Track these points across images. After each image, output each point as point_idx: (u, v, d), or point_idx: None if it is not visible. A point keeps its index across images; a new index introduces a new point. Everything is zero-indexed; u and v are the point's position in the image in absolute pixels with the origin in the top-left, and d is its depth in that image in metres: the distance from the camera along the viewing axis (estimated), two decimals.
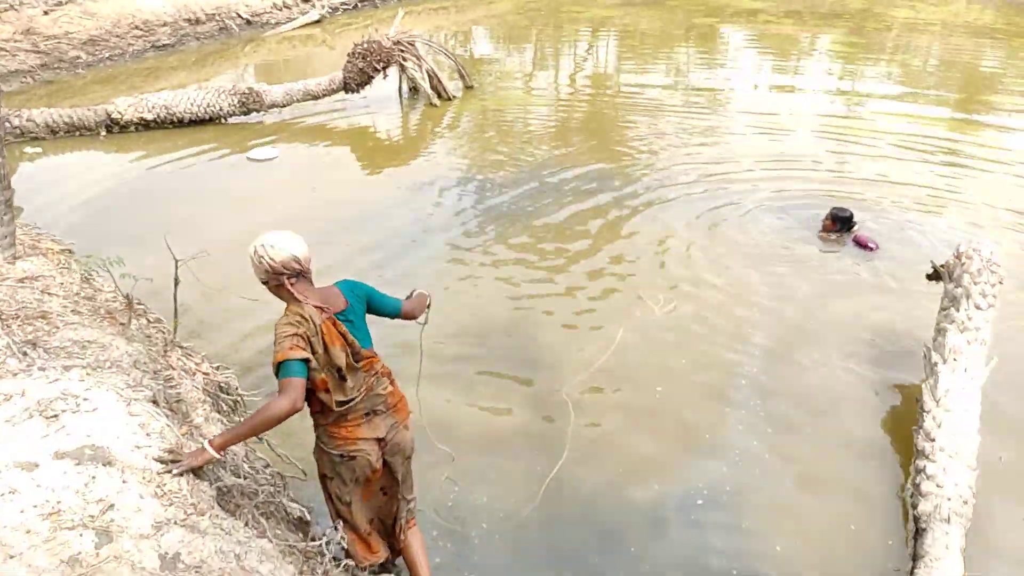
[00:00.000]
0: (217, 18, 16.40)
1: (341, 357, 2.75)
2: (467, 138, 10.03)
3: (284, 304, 2.78)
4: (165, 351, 3.11)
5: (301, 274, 2.78)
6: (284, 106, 10.68)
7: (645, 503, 4.07)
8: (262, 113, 10.62)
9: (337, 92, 10.91)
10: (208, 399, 3.05)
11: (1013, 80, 13.54)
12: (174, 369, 3.05)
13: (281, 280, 2.73)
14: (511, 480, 4.19)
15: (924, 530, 3.70)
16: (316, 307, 2.74)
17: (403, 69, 11.38)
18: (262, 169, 8.91)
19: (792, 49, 16.33)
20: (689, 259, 6.67)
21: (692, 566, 3.69)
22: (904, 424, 4.55)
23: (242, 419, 3.33)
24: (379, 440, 2.96)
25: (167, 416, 2.72)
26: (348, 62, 10.75)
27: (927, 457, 4.03)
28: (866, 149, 9.47)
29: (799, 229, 7.20)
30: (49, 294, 3.30)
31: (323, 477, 3.06)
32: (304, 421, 2.89)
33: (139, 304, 3.69)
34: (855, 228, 6.97)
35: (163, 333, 3.42)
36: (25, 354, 2.74)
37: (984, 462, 3.98)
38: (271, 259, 2.69)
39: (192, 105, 10.09)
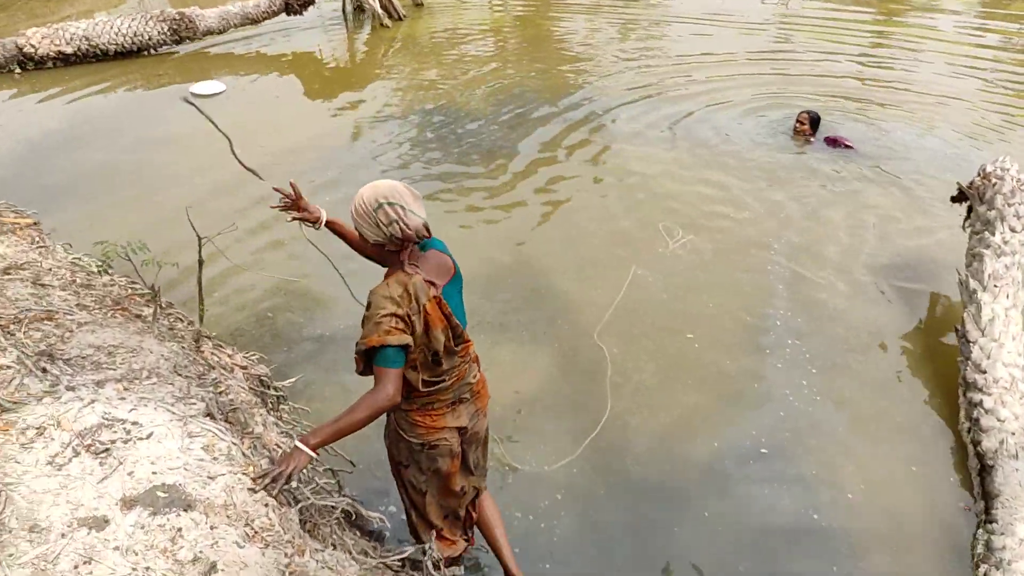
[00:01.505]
0: None
1: (440, 340, 2.40)
2: (421, 64, 9.29)
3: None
4: (197, 345, 2.65)
5: (422, 240, 2.41)
6: (220, 32, 9.68)
7: (702, 458, 3.89)
8: (195, 41, 9.61)
9: (279, 14, 9.94)
10: (256, 398, 2.64)
11: None
12: (214, 368, 2.61)
13: (404, 247, 2.36)
14: (555, 441, 3.93)
15: (992, 467, 3.65)
16: (427, 281, 2.37)
17: None
18: (208, 105, 8.04)
19: None
20: (680, 181, 6.49)
21: (766, 520, 3.55)
22: (944, 351, 4.50)
23: (287, 414, 2.93)
24: (460, 429, 2.67)
25: (227, 430, 2.31)
26: None
27: (981, 390, 3.96)
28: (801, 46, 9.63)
29: (769, 135, 7.42)
30: (43, 285, 2.76)
31: (397, 464, 2.76)
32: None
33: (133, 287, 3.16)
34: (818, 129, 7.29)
35: (181, 321, 2.94)
36: (44, 370, 2.25)
37: None
38: (404, 224, 2.29)
39: (117, 35, 9.01)
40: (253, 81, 8.80)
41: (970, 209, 5.16)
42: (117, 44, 9.05)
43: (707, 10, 11.67)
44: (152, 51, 9.36)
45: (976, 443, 3.80)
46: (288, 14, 9.97)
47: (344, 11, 10.83)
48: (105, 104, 8.06)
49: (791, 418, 4.09)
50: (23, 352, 2.30)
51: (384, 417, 2.63)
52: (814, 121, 7.25)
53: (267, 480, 2.12)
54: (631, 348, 4.57)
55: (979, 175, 4.94)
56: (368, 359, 2.30)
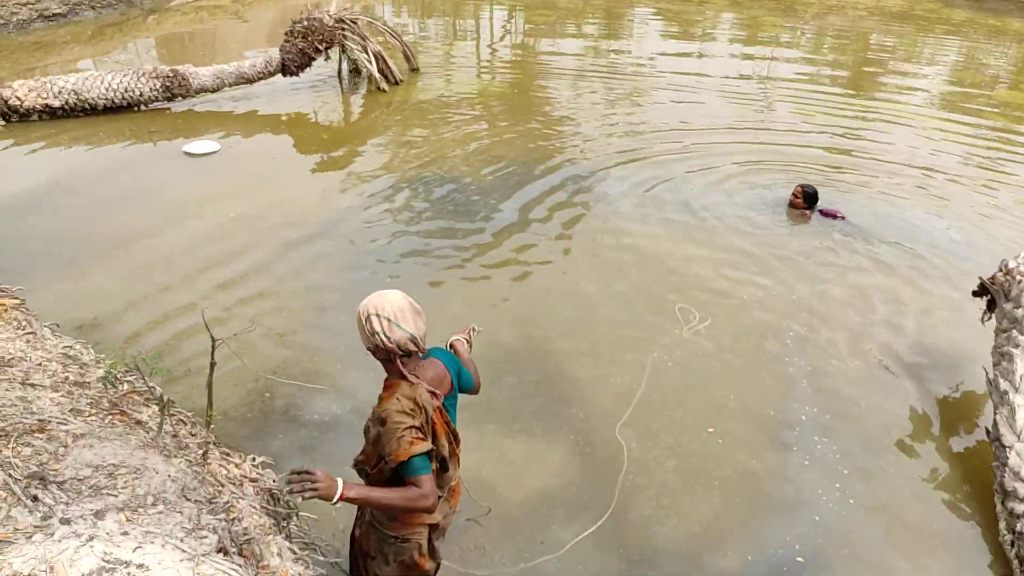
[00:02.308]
0: None
1: (445, 448, 2.50)
2: (419, 129, 9.18)
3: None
4: (205, 457, 2.37)
5: (411, 354, 2.48)
6: (214, 91, 9.52)
7: (735, 569, 3.62)
8: (187, 99, 9.44)
9: (274, 75, 9.84)
10: (268, 519, 2.34)
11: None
12: (223, 484, 2.32)
13: (391, 358, 2.45)
14: (563, 541, 3.65)
15: None
16: (429, 392, 2.46)
17: (343, 50, 10.41)
18: (202, 165, 7.85)
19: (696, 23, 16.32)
20: (684, 258, 6.39)
21: None
22: (975, 452, 4.34)
23: (296, 527, 2.64)
24: (432, 525, 2.68)
25: (243, 566, 2.01)
26: (286, 41, 9.69)
27: (1022, 500, 3.77)
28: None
29: (764, 210, 7.42)
30: (33, 386, 2.47)
31: (365, 555, 2.71)
32: None
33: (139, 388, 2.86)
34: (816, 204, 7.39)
35: (184, 423, 2.64)
36: (35, 498, 1.95)
37: None
38: (386, 337, 2.39)
39: (107, 90, 8.81)
40: (247, 140, 8.61)
41: (990, 304, 5.07)
42: (107, 99, 8.84)
43: (689, 80, 11.92)
44: (143, 107, 9.16)
45: (1021, 558, 3.58)
46: (284, 75, 9.87)
47: (340, 73, 10.77)
48: (95, 160, 7.80)
49: (826, 524, 3.86)
50: (11, 475, 2.00)
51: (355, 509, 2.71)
52: (809, 196, 7.30)
53: (299, 480, 2.14)
54: (649, 443, 4.32)
55: (1001, 271, 4.85)
56: (395, 473, 2.36)
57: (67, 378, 2.66)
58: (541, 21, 16.45)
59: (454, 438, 2.53)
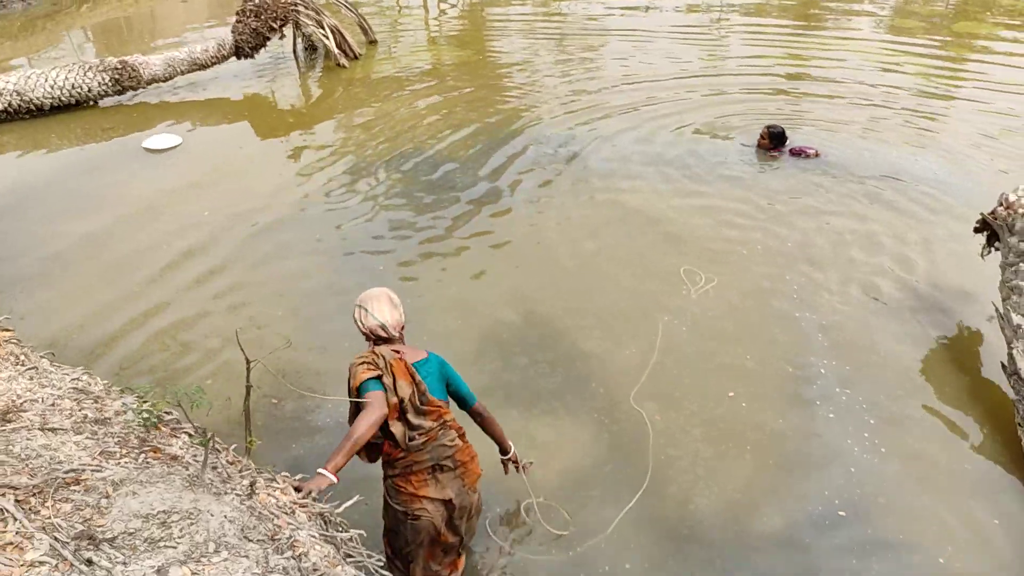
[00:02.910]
0: None
1: (406, 391, 2.79)
2: (384, 103, 8.86)
3: None
4: (252, 489, 2.21)
5: (387, 340, 2.92)
6: (166, 80, 9.06)
7: (778, 530, 3.61)
8: (138, 90, 8.98)
9: (228, 58, 9.39)
10: (329, 546, 2.21)
11: None
12: (276, 516, 2.17)
13: (369, 339, 2.95)
14: (596, 517, 3.59)
15: None
16: (393, 350, 2.88)
17: (298, 26, 9.99)
18: (166, 160, 7.48)
19: None
20: (676, 212, 6.36)
21: None
22: (992, 388, 4.38)
23: (352, 540, 2.52)
24: (446, 502, 2.91)
25: None
26: (239, 22, 9.24)
27: None
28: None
29: (735, 155, 7.43)
30: (54, 430, 2.27)
31: (386, 530, 3.07)
32: None
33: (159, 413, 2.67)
34: (786, 143, 7.45)
35: (218, 450, 2.47)
36: (90, 562, 1.79)
37: None
38: (362, 322, 2.92)
39: (52, 88, 8.32)
40: (210, 131, 8.24)
41: (990, 238, 5.08)
42: (53, 98, 8.36)
43: (639, 32, 11.86)
44: (93, 103, 8.69)
45: None
46: (239, 58, 9.43)
47: (295, 52, 10.35)
48: (49, 165, 7.37)
49: (861, 475, 3.86)
50: (57, 539, 1.83)
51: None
52: (775, 135, 7.37)
53: (304, 496, 2.42)
54: (673, 412, 4.26)
55: (1002, 205, 4.85)
56: (357, 408, 2.74)
57: (86, 416, 2.47)
58: None
59: (419, 390, 2.82)
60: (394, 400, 2.74)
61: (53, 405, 2.46)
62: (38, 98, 8.28)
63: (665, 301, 5.19)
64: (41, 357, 3.12)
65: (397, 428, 2.78)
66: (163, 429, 2.55)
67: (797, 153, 7.36)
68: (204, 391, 2.08)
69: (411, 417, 2.79)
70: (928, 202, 6.46)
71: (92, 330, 4.96)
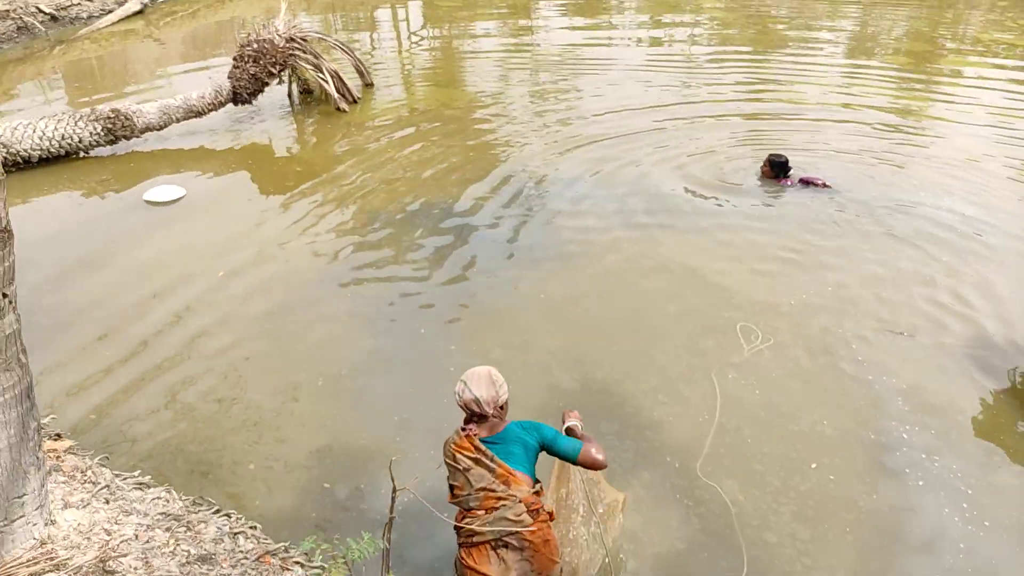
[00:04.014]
0: (13, 16, 13.37)
1: (464, 463, 2.87)
2: (388, 152, 8.54)
3: None
4: None
5: (482, 416, 2.95)
6: (160, 128, 8.67)
7: None
8: (131, 140, 8.57)
9: (225, 105, 9.05)
10: None
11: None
12: None
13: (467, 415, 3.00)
14: None
15: None
16: (460, 428, 2.97)
17: (293, 71, 9.71)
18: (170, 214, 7.08)
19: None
20: (711, 260, 6.20)
21: None
22: None
23: None
24: None
25: None
26: (236, 67, 8.93)
27: None
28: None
29: (738, 191, 7.47)
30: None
31: None
32: None
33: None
34: (791, 172, 7.45)
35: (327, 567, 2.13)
36: None
37: None
38: (459, 395, 2.98)
39: (41, 139, 7.89)
40: (212, 181, 7.86)
41: None
42: (43, 150, 7.92)
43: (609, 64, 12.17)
44: (83, 154, 8.26)
45: None
46: (236, 104, 9.10)
47: (291, 96, 10.05)
48: (42, 222, 6.91)
49: (970, 553, 3.64)
50: None
51: None
52: (777, 164, 7.40)
53: None
54: (757, 489, 4.00)
55: None
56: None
57: (188, 554, 2.12)
58: (460, 17, 16.20)
59: (486, 460, 2.86)
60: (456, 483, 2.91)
61: (148, 542, 2.11)
62: (26, 150, 7.84)
63: (726, 359, 4.98)
64: (101, 465, 2.75)
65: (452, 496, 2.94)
66: (272, 562, 2.22)
67: (808, 182, 7.35)
68: (375, 540, 1.77)
69: (471, 479, 2.87)
70: (958, 234, 6.50)
71: (115, 410, 4.53)
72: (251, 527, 2.32)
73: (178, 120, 8.74)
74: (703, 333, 5.27)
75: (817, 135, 8.87)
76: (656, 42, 13.93)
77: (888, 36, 14.24)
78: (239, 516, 2.11)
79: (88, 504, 2.28)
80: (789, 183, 7.40)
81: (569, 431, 3.18)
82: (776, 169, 7.40)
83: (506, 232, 6.69)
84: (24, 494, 2.19)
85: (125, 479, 2.60)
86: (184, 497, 2.57)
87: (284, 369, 4.93)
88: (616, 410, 4.59)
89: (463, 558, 2.84)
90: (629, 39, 14.11)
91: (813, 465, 4.18)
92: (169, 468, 3.94)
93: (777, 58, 12.47)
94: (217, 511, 2.45)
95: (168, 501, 2.47)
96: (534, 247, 6.45)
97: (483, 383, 2.97)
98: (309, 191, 7.59)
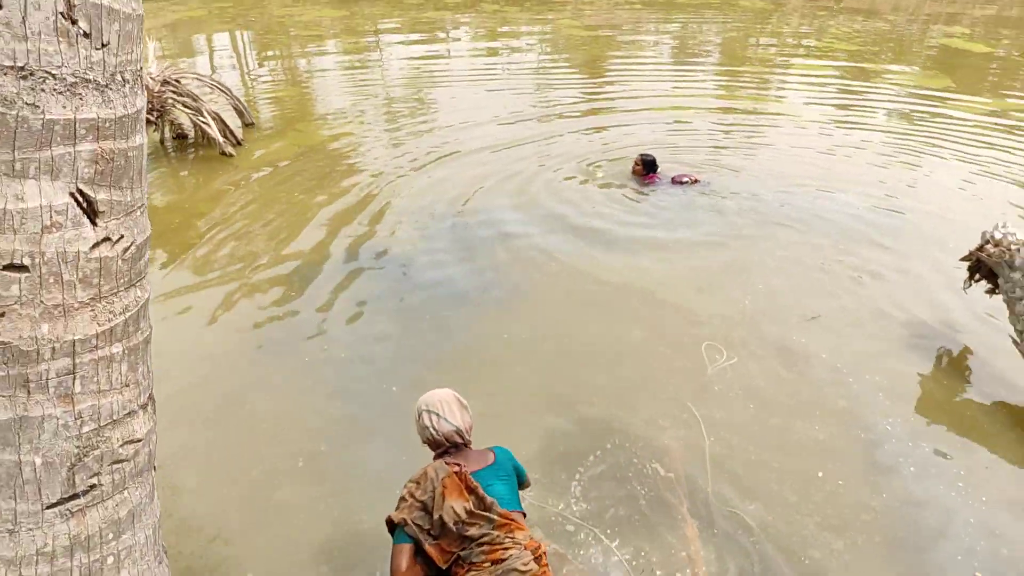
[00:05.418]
0: None
1: (457, 507, 2.56)
2: (289, 197, 8.04)
3: None
4: None
5: (458, 446, 2.79)
6: None
7: None
8: None
9: None
10: None
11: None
12: None
13: (435, 447, 2.81)
14: None
15: None
16: (449, 462, 2.68)
17: (164, 115, 8.92)
18: None
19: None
20: (646, 278, 6.38)
21: None
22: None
23: None
24: None
25: None
26: None
27: None
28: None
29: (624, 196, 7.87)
30: None
31: None
32: None
33: None
34: (659, 170, 8.04)
35: None
36: None
37: None
38: (435, 428, 2.76)
39: None
40: None
41: (971, 270, 5.44)
42: None
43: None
44: None
45: None
46: None
47: (163, 143, 9.21)
48: None
49: (977, 530, 3.88)
50: None
51: None
52: (647, 163, 7.92)
53: None
54: (779, 507, 4.06)
55: (989, 243, 5.20)
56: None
57: None
58: (299, 39, 15.74)
59: (481, 501, 2.61)
60: (429, 546, 2.55)
61: None
62: None
63: (697, 380, 5.05)
64: None
65: (433, 551, 2.56)
66: None
67: (679, 182, 7.88)
68: None
69: (470, 534, 2.57)
70: (838, 215, 7.50)
71: None
72: None
73: None
74: (676, 354, 5.32)
75: (671, 136, 9.82)
76: (493, 52, 14.68)
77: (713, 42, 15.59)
78: None
79: None
80: (659, 180, 7.90)
81: None
82: (647, 167, 7.90)
83: (438, 275, 6.42)
84: None
85: None
86: None
87: (266, 455, 4.45)
88: (615, 448, 4.49)
89: None
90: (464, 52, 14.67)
91: (820, 474, 4.30)
92: None
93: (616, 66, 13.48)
94: None
95: None
96: (471, 288, 6.24)
97: (455, 409, 2.80)
98: (212, 249, 6.94)
